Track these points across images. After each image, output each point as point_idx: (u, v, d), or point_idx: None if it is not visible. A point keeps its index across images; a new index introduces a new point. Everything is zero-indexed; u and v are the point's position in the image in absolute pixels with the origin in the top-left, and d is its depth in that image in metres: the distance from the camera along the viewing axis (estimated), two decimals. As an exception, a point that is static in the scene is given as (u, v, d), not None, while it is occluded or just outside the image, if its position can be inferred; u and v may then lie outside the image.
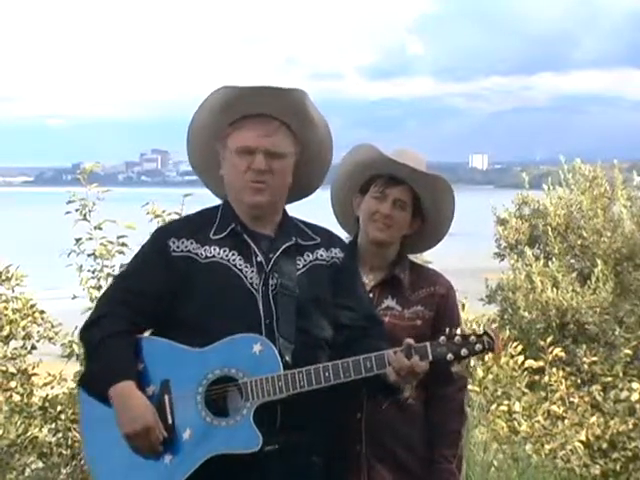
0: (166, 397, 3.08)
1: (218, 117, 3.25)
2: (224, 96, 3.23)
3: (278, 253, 3.21)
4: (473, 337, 3.08)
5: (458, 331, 3.09)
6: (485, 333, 3.09)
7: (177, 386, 3.09)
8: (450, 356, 3.07)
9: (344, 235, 3.72)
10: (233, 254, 3.20)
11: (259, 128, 3.20)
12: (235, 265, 3.18)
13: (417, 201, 3.61)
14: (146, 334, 3.25)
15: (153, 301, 3.18)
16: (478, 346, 3.08)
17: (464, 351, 3.08)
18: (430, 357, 3.06)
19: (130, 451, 3.08)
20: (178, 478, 3.05)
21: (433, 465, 3.56)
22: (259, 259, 3.20)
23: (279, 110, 3.21)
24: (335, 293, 3.26)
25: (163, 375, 3.11)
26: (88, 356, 3.26)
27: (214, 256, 3.19)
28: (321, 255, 3.29)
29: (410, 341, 3.07)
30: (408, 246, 3.70)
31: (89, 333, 3.22)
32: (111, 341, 3.13)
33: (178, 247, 3.19)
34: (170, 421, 3.07)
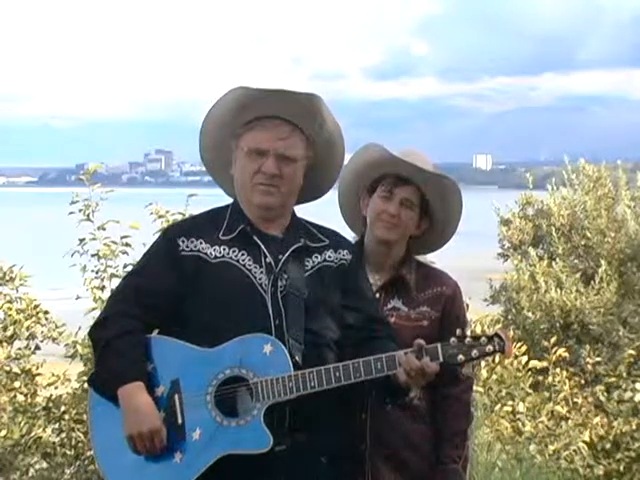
0: (176, 397, 3.09)
1: (233, 116, 3.25)
2: (240, 96, 3.23)
3: (287, 254, 3.22)
4: (484, 338, 3.08)
5: (469, 332, 3.09)
6: (496, 334, 3.09)
7: (187, 386, 3.09)
8: (461, 357, 3.06)
9: (351, 235, 3.72)
10: (242, 254, 3.20)
11: (273, 130, 3.20)
12: (244, 266, 3.19)
13: (425, 201, 3.62)
14: (154, 333, 3.26)
15: (162, 299, 3.18)
16: (489, 347, 3.07)
17: (475, 352, 3.07)
18: (441, 358, 3.05)
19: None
20: (188, 478, 3.05)
21: (439, 465, 3.56)
22: (268, 260, 3.20)
23: (294, 114, 3.21)
24: (343, 295, 3.26)
25: (173, 375, 3.11)
26: (97, 356, 3.26)
27: (223, 256, 3.20)
28: (329, 257, 3.29)
29: (421, 342, 3.07)
30: (415, 247, 3.70)
31: (98, 332, 3.23)
32: (121, 341, 3.13)
33: (187, 246, 3.20)
34: (180, 421, 3.07)
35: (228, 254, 3.20)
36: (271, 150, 3.18)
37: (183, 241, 3.21)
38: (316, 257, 3.27)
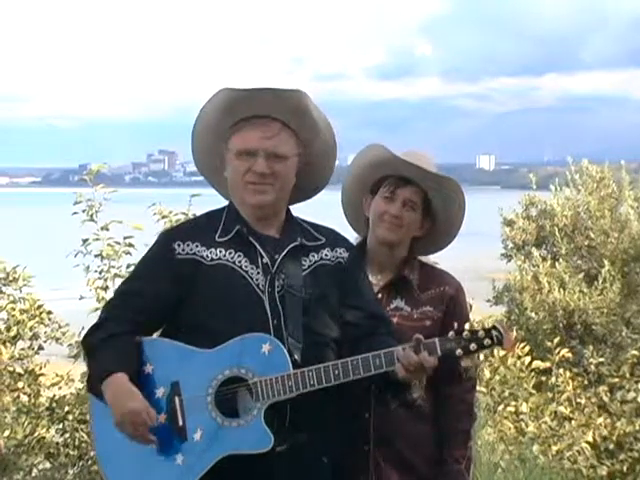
0: (176, 399, 3.08)
1: (220, 119, 3.25)
2: (225, 98, 3.23)
3: (283, 254, 3.21)
4: (482, 332, 3.06)
5: (467, 326, 3.08)
6: (494, 327, 3.07)
7: (187, 387, 3.09)
8: (459, 351, 3.05)
9: (354, 236, 3.72)
10: (239, 256, 3.20)
11: (261, 130, 3.19)
12: (241, 267, 3.19)
13: (427, 202, 3.62)
14: (155, 335, 3.26)
15: (159, 303, 3.18)
16: (487, 340, 3.06)
17: (473, 346, 3.05)
18: (439, 352, 3.04)
19: (142, 452, 3.08)
20: (190, 479, 3.05)
21: (442, 466, 3.55)
22: (265, 260, 3.20)
23: (281, 111, 3.20)
24: (341, 292, 3.26)
25: (173, 377, 3.11)
26: (88, 359, 3.26)
27: (220, 258, 3.19)
28: (326, 255, 3.29)
29: (419, 336, 3.06)
30: (418, 247, 3.70)
31: (90, 338, 3.23)
32: (110, 341, 3.12)
33: (183, 250, 3.19)
34: (181, 423, 3.07)
35: (224, 256, 3.20)
36: (260, 149, 3.17)
37: (179, 245, 3.20)
38: (313, 256, 3.27)
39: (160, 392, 3.11)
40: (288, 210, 3.33)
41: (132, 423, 3.02)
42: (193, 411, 3.07)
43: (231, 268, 3.18)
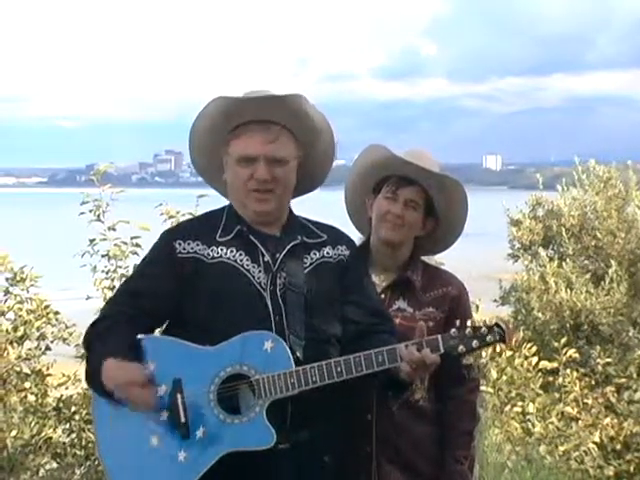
0: (179, 396, 3.09)
1: (218, 125, 3.25)
2: (222, 106, 3.23)
3: (284, 252, 3.23)
4: (484, 328, 3.07)
5: (469, 323, 3.08)
6: (496, 324, 3.08)
7: (189, 385, 3.09)
8: (462, 348, 3.05)
9: (357, 236, 3.72)
10: (240, 254, 3.21)
11: (260, 135, 3.20)
12: (242, 265, 3.20)
13: (429, 202, 3.62)
14: (157, 333, 3.27)
15: (160, 302, 3.19)
16: (489, 337, 3.06)
17: (475, 343, 3.06)
18: (442, 349, 3.05)
19: (144, 450, 3.10)
20: (192, 476, 3.06)
21: (444, 466, 3.56)
22: (266, 259, 3.21)
23: (279, 115, 3.21)
24: (343, 290, 3.27)
25: (175, 374, 3.11)
26: (87, 354, 3.25)
27: (221, 257, 3.21)
28: (327, 253, 3.30)
29: (422, 328, 3.07)
30: (421, 247, 3.70)
31: (87, 335, 3.25)
32: (105, 335, 3.13)
33: (184, 249, 3.21)
34: (183, 420, 3.07)
35: (226, 254, 3.21)
36: (261, 155, 3.18)
37: (180, 244, 3.22)
38: (314, 254, 3.28)
39: (162, 390, 3.11)
40: (289, 208, 3.34)
41: (130, 388, 3.00)
42: (195, 408, 3.08)
43: (232, 266, 3.19)
